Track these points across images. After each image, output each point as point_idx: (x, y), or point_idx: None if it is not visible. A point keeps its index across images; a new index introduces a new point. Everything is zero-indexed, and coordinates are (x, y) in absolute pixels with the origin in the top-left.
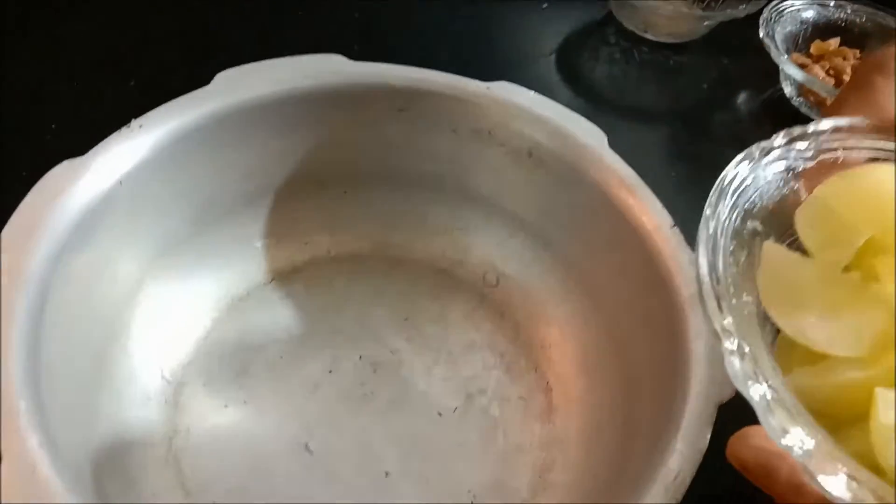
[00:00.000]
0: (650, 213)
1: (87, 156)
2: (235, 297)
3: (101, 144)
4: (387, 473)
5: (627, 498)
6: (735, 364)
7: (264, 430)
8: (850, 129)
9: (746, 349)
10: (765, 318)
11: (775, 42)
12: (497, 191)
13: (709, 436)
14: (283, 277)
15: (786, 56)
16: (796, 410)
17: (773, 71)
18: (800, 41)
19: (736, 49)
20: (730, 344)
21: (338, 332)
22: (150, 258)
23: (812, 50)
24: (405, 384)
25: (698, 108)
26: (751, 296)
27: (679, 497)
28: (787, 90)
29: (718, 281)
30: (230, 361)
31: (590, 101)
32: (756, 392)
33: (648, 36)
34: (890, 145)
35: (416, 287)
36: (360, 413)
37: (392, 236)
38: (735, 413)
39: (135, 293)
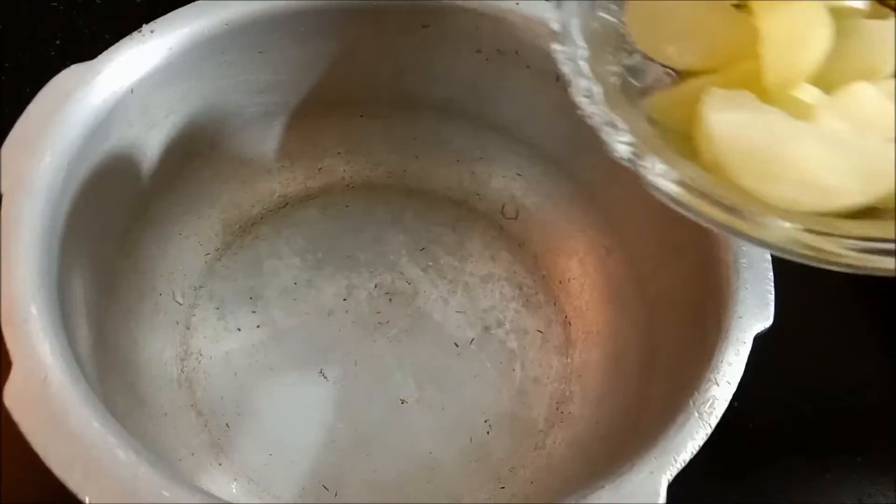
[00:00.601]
0: None
1: (96, 60)
2: (248, 220)
3: (111, 49)
4: (402, 401)
5: (653, 428)
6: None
7: (277, 355)
8: None
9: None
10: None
11: None
12: (520, 117)
13: (743, 365)
14: (297, 202)
15: None
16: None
17: None
18: None
19: None
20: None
21: (352, 259)
22: (161, 174)
23: None
24: (421, 314)
25: None
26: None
27: (711, 426)
28: None
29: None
30: (243, 285)
31: None
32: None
33: None
34: None
35: (433, 217)
36: (376, 342)
37: (409, 163)
38: (773, 344)
39: (145, 209)
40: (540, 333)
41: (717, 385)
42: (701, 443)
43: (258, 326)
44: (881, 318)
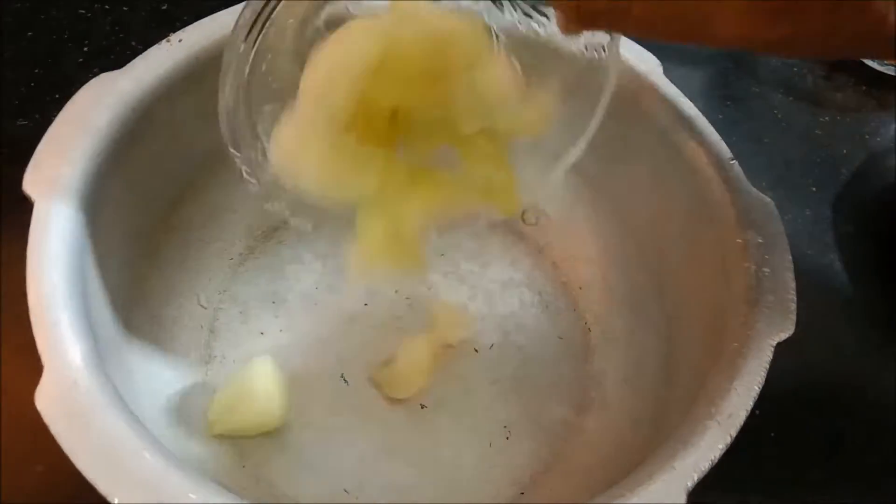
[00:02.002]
0: (707, 145)
1: (125, 69)
2: (272, 225)
3: (139, 58)
4: (422, 406)
5: (674, 436)
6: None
7: (300, 359)
8: None
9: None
10: None
11: None
12: None
13: (765, 374)
14: None
15: None
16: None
17: None
18: None
19: None
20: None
21: None
22: (186, 180)
23: None
24: None
25: None
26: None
27: (732, 434)
28: None
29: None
30: (266, 290)
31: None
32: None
33: None
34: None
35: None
36: (396, 346)
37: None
38: (794, 352)
39: (170, 215)
40: (560, 339)
41: (739, 394)
42: (721, 452)
43: (281, 330)
44: None
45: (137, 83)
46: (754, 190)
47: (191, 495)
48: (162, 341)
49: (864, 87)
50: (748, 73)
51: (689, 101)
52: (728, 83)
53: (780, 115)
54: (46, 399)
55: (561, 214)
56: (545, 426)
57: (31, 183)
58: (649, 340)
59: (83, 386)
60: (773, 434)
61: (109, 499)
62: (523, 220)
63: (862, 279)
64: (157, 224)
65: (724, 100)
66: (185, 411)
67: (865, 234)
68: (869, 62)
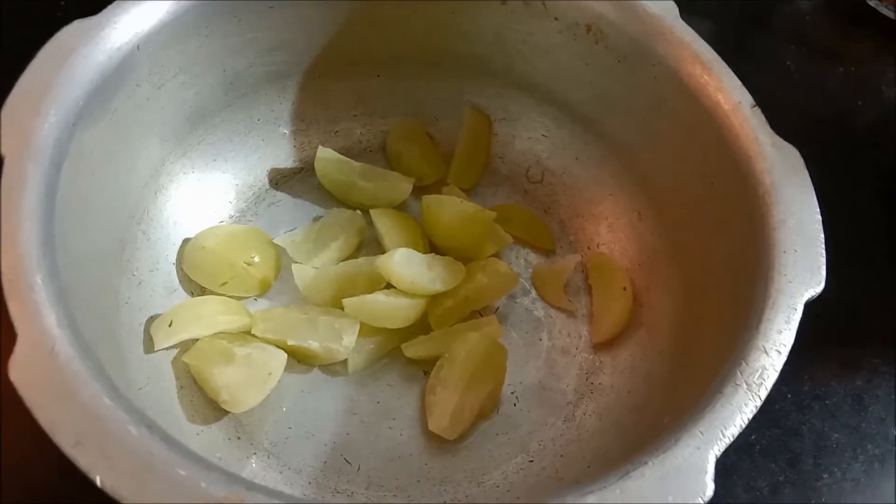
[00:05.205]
0: (727, 91)
1: (100, 15)
2: (262, 187)
3: (115, 3)
4: (425, 373)
5: (696, 400)
6: None
7: None
8: None
9: None
10: None
11: None
12: (548, 74)
13: (794, 333)
14: (312, 167)
15: None
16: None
17: None
18: None
19: None
20: None
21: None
22: (171, 138)
23: None
24: None
25: None
26: None
27: (761, 398)
28: None
29: None
30: None
31: None
32: None
33: None
34: None
35: None
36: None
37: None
38: (827, 308)
39: (156, 175)
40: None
41: (767, 354)
42: (750, 416)
43: (273, 298)
44: None
45: (114, 30)
46: (779, 137)
47: (180, 471)
48: (151, 309)
49: (880, 39)
50: (760, 24)
51: (707, 45)
52: (740, 34)
53: (793, 68)
54: (21, 369)
55: (567, 171)
56: (554, 390)
57: (1, 138)
58: (663, 301)
59: (62, 354)
60: (790, 396)
61: (91, 476)
62: (528, 178)
63: (879, 235)
64: (142, 185)
65: (735, 51)
66: (177, 381)
67: (882, 188)
68: (885, 12)
